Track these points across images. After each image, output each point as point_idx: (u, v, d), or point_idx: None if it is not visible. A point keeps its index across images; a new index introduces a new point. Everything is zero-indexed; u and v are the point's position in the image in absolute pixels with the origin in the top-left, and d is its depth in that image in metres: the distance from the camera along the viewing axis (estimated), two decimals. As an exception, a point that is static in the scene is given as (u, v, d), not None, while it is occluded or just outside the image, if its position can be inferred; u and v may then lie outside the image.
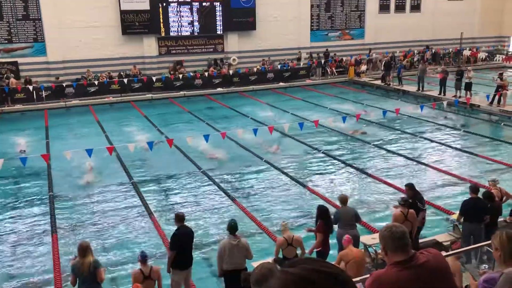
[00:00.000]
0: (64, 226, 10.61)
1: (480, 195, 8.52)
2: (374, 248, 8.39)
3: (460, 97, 21.03)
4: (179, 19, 26.95)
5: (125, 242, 9.84)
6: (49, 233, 10.20)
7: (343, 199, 8.52)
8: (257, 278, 2.67)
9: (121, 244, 9.77)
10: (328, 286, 1.27)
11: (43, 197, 12.27)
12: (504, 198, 9.40)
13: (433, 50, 32.47)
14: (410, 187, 8.95)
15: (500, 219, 9.44)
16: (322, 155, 15.15)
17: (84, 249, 6.62)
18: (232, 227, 7.24)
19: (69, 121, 21.00)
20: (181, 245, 7.31)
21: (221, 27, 27.95)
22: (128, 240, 9.95)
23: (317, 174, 13.54)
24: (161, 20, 26.55)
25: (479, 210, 8.26)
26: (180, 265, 7.40)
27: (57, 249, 9.40)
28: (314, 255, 8.00)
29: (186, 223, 7.64)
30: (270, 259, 7.75)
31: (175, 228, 7.59)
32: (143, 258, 6.87)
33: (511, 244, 3.24)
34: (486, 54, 33.92)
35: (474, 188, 8.58)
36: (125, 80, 24.48)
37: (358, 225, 8.64)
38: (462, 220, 8.51)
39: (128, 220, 10.86)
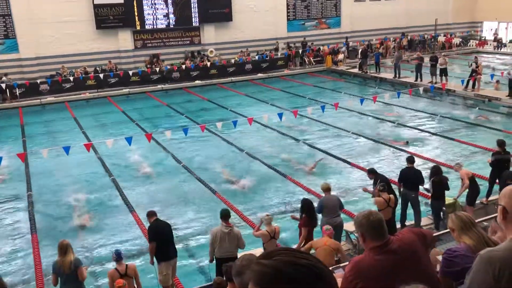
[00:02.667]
0: (44, 225, 10.45)
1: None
2: (356, 235, 8.49)
3: (436, 82, 21.34)
4: (154, 11, 26.60)
5: (108, 239, 9.75)
6: (29, 233, 10.04)
7: (326, 188, 8.59)
8: (238, 269, 2.68)
9: (104, 242, 9.67)
10: (304, 278, 1.25)
11: (22, 197, 12.05)
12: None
13: (409, 37, 32.81)
14: (371, 171, 9.32)
15: (477, 201, 9.72)
16: (303, 145, 15.23)
17: (64, 248, 6.57)
18: (224, 215, 7.37)
19: (45, 119, 20.61)
20: (160, 235, 7.38)
21: (197, 19, 27.70)
22: (111, 237, 9.86)
23: (298, 163, 13.60)
24: (136, 13, 26.17)
25: (413, 179, 9.21)
26: (164, 256, 7.44)
27: (37, 249, 9.26)
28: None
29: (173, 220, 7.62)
30: (256, 250, 7.81)
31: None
32: (118, 257, 6.85)
33: (458, 221, 3.51)
34: (460, 40, 34.44)
35: (409, 159, 9.55)
36: (101, 76, 24.10)
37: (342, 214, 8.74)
38: (402, 187, 9.37)
39: (109, 216, 10.76)
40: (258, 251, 7.73)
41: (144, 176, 13.21)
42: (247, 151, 14.61)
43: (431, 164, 11.33)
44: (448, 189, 9.21)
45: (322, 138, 15.96)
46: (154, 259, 7.46)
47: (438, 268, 3.34)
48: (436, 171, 9.18)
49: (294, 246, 7.91)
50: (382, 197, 8.38)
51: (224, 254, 7.25)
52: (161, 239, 7.39)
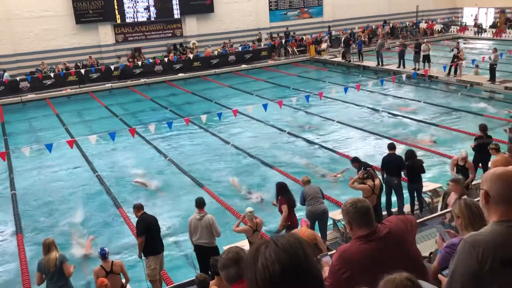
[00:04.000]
0: (29, 225, 10.30)
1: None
2: (342, 222, 8.53)
3: (418, 69, 21.49)
4: (135, 4, 26.24)
5: (95, 235, 9.65)
6: (14, 233, 9.90)
7: (306, 180, 8.65)
8: (224, 263, 2.65)
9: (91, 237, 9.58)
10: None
11: (5, 196, 11.86)
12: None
13: (391, 25, 32.93)
14: (355, 160, 9.39)
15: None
16: (288, 135, 15.23)
17: (47, 246, 6.53)
18: (198, 202, 7.49)
19: (27, 116, 20.25)
20: (148, 229, 7.31)
21: (178, 11, 27.40)
22: (98, 232, 9.77)
23: (282, 153, 13.59)
24: (116, 7, 25.78)
25: (394, 164, 9.29)
26: (152, 251, 7.39)
27: (23, 249, 9.13)
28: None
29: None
30: (242, 242, 7.80)
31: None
32: (103, 254, 6.79)
33: (469, 211, 3.39)
34: (442, 26, 34.68)
35: (390, 146, 9.60)
36: (82, 71, 23.74)
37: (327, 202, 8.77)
38: (385, 174, 9.44)
39: (96, 212, 10.64)
40: (244, 243, 7.74)
41: (127, 169, 13.08)
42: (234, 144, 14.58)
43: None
44: (423, 171, 9.36)
45: (305, 127, 15.98)
46: (142, 253, 7.41)
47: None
48: (409, 156, 9.35)
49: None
50: (368, 184, 8.43)
51: (200, 241, 7.34)
52: (149, 233, 7.34)
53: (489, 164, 8.82)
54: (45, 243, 6.60)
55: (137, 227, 7.49)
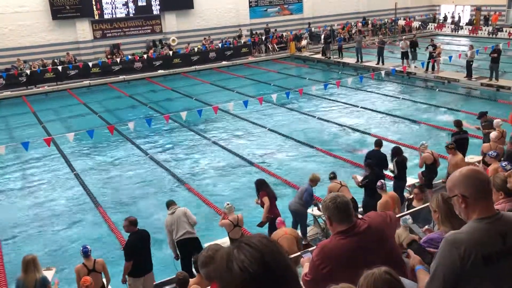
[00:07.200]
0: (6, 225, 10.08)
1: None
2: (323, 218, 8.58)
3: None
4: (113, 0, 25.85)
5: (74, 237, 9.51)
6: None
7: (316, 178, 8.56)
8: (203, 260, 2.64)
9: (69, 239, 9.44)
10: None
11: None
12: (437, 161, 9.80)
13: (370, 22, 33.21)
14: (369, 164, 8.91)
15: (439, 180, 9.97)
16: (270, 132, 15.24)
17: (26, 264, 5.90)
18: (167, 204, 7.57)
19: (2, 114, 19.78)
20: (137, 252, 6.83)
21: (158, 7, 27.13)
22: (77, 234, 9.63)
23: (263, 150, 13.61)
24: (94, 2, 25.37)
25: (377, 161, 9.15)
26: (134, 273, 6.91)
27: (0, 257, 8.91)
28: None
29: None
30: (222, 240, 7.79)
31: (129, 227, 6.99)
32: (85, 252, 6.65)
33: (446, 206, 3.37)
34: (420, 23, 35.13)
35: (377, 142, 9.79)
36: (60, 68, 23.32)
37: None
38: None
39: (74, 212, 10.49)
40: (224, 240, 7.73)
41: (106, 168, 12.92)
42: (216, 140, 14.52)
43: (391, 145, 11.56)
44: (406, 168, 9.39)
45: (285, 123, 16.02)
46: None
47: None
48: (396, 152, 9.34)
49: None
50: (335, 181, 8.69)
51: (182, 236, 7.19)
52: (137, 255, 6.81)
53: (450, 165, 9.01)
54: (24, 260, 5.97)
55: (125, 250, 6.87)
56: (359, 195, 8.80)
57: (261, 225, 8.23)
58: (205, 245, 6.70)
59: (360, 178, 8.95)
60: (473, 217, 2.18)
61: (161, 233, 8.07)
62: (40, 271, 6.07)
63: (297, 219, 8.49)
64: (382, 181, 8.04)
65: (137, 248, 6.81)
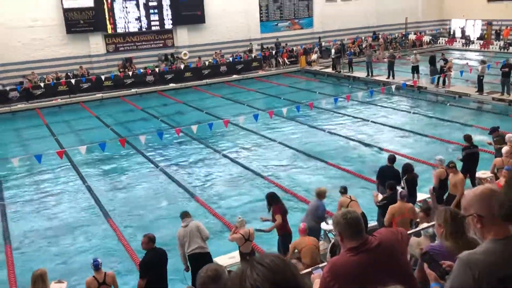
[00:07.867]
0: (18, 235, 10.18)
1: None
2: (333, 233, 8.55)
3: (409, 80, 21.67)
4: (126, 15, 26.28)
5: (85, 247, 9.57)
6: (2, 245, 9.78)
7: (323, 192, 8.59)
8: (203, 281, 2.60)
9: (80, 251, 9.50)
10: None
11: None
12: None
13: (380, 36, 33.29)
14: (390, 185, 8.65)
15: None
16: (278, 145, 15.26)
17: (34, 280, 5.86)
18: (181, 215, 7.54)
19: (16, 126, 20.09)
20: (152, 270, 6.77)
21: (170, 22, 27.50)
22: (87, 246, 9.69)
23: (273, 164, 13.61)
24: (107, 17, 25.80)
25: (390, 178, 8.92)
26: None
27: (12, 263, 8.99)
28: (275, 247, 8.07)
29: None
30: (233, 254, 7.79)
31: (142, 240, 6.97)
32: (96, 265, 6.67)
33: (454, 223, 3.26)
34: (430, 38, 35.13)
35: (390, 158, 9.64)
36: (73, 81, 23.66)
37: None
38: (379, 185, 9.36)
39: (86, 223, 10.57)
40: (235, 254, 7.73)
41: (117, 179, 13.02)
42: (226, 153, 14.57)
43: (403, 159, 11.51)
44: (417, 185, 9.31)
45: (296, 137, 16.03)
46: None
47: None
48: (407, 169, 9.24)
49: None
50: (345, 196, 8.62)
51: (194, 250, 7.22)
52: (152, 274, 6.74)
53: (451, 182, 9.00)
54: (33, 275, 5.94)
55: (140, 268, 6.85)
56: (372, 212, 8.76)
57: (259, 230, 8.18)
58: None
59: (380, 197, 8.89)
60: (488, 237, 2.15)
61: (168, 244, 8.09)
62: (48, 286, 6.08)
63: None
64: (404, 191, 8.14)
65: (153, 265, 6.77)
